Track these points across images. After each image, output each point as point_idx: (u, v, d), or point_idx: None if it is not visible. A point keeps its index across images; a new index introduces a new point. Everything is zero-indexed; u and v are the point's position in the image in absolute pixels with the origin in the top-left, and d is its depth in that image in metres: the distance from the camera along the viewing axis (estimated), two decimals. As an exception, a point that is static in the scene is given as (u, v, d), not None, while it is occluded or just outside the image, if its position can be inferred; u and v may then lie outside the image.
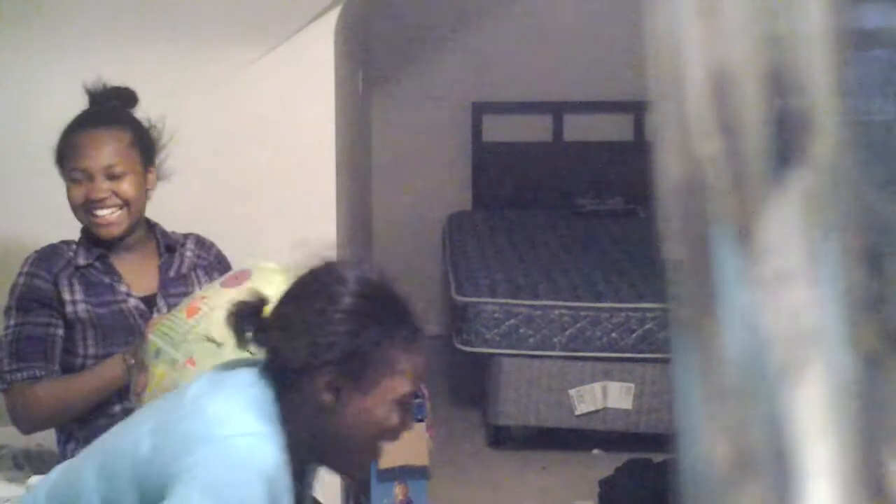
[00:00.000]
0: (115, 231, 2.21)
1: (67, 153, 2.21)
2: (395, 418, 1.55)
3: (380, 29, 5.11)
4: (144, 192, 2.24)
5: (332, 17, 2.96)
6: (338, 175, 3.12)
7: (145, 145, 2.26)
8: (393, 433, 1.57)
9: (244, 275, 2.03)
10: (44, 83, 2.91)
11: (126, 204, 2.20)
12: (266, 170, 3.01)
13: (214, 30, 2.88)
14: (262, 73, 2.96)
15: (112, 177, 2.18)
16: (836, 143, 0.53)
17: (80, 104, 2.73)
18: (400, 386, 1.55)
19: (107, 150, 2.18)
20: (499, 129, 5.45)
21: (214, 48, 2.90)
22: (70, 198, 2.21)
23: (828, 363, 0.52)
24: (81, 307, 2.18)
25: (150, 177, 2.27)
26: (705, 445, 0.55)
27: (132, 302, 2.24)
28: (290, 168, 3.03)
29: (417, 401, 3.97)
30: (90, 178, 2.18)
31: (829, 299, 0.53)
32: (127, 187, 2.19)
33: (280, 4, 2.91)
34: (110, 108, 2.27)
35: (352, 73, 3.83)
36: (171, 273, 2.31)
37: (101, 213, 2.19)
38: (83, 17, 2.82)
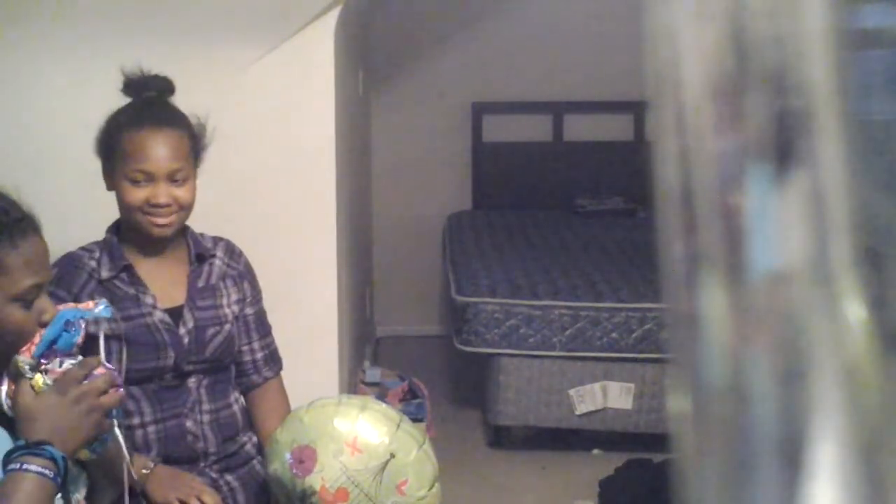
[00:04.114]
0: (168, 233, 2.14)
1: (127, 151, 2.10)
2: (16, 314, 1.56)
3: (380, 29, 5.12)
4: (195, 195, 2.17)
5: (332, 17, 2.96)
6: (338, 175, 3.12)
7: (198, 148, 2.20)
8: (18, 330, 1.57)
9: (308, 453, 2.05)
10: (44, 84, 2.91)
11: (182, 209, 2.14)
12: (266, 170, 3.01)
13: (214, 30, 2.88)
14: (262, 73, 2.95)
15: (173, 181, 2.11)
16: (836, 143, 0.53)
17: (81, 105, 2.73)
18: (11, 283, 1.55)
19: (172, 154, 2.11)
20: (499, 129, 5.46)
21: (214, 48, 2.90)
22: (127, 198, 2.11)
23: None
24: (102, 324, 2.12)
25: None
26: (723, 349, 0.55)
27: (158, 315, 2.16)
28: (290, 168, 3.03)
29: (417, 401, 3.97)
30: (151, 180, 2.09)
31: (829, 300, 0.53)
32: (185, 193, 2.12)
33: (280, 4, 2.91)
34: (162, 103, 2.18)
35: (352, 73, 3.83)
36: (200, 283, 2.24)
37: (159, 217, 2.11)
38: (83, 17, 2.82)
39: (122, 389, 1.66)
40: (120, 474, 1.82)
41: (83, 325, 1.61)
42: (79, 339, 1.61)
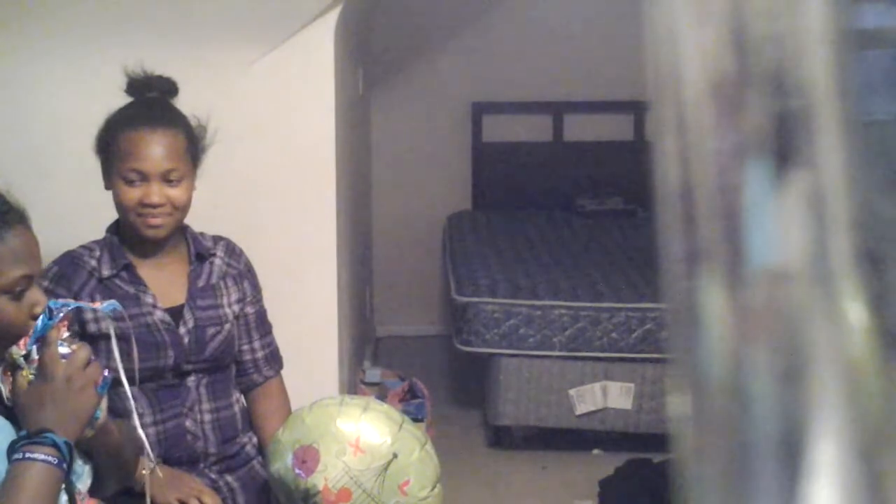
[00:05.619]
0: (162, 233, 2.14)
1: (123, 150, 2.10)
2: (6, 307, 1.56)
3: (380, 29, 5.11)
4: (191, 197, 2.17)
5: (332, 17, 2.96)
6: (338, 175, 3.12)
7: (195, 149, 2.19)
8: (9, 323, 1.57)
9: (311, 453, 2.06)
10: (44, 84, 2.91)
11: (176, 209, 2.13)
12: (266, 170, 3.01)
13: (214, 30, 2.88)
14: (262, 73, 2.95)
15: (167, 181, 2.11)
16: (836, 143, 0.53)
17: (81, 105, 2.73)
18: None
19: (166, 154, 2.10)
20: (499, 129, 5.46)
21: (214, 48, 2.90)
22: (121, 198, 2.12)
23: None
24: (104, 323, 2.07)
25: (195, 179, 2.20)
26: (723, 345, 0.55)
27: (158, 314, 2.16)
28: (290, 168, 3.03)
29: (417, 401, 3.96)
30: (145, 179, 2.09)
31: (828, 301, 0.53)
32: (180, 193, 2.12)
33: (280, 4, 2.91)
34: (162, 103, 2.18)
35: (352, 73, 3.83)
36: (200, 283, 2.23)
37: (152, 217, 2.11)
38: (83, 17, 2.82)
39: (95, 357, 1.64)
40: (126, 465, 1.82)
41: (64, 313, 1.60)
42: (56, 324, 1.59)
